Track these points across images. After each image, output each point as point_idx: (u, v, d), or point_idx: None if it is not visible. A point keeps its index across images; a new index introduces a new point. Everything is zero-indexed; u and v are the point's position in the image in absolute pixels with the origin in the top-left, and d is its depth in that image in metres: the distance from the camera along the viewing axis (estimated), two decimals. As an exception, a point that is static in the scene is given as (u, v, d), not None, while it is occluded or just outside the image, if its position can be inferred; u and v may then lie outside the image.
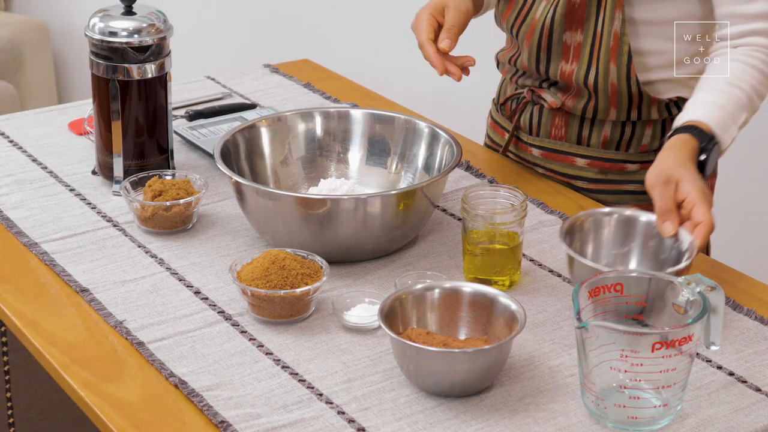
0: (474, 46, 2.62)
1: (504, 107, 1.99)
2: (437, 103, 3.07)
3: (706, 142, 1.63)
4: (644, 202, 1.86)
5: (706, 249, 1.94)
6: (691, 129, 1.64)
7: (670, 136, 1.65)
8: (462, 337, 1.48)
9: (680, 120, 1.67)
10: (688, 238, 1.55)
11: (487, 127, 2.08)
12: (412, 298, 1.48)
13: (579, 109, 1.85)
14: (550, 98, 1.88)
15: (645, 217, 1.62)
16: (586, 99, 1.84)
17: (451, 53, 1.80)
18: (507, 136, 1.99)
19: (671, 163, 1.59)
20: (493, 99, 2.06)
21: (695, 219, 1.54)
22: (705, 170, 1.63)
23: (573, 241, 1.60)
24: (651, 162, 1.85)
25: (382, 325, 1.42)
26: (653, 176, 1.58)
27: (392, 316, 1.45)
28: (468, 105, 3.01)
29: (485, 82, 2.56)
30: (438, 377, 1.40)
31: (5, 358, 1.92)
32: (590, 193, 1.91)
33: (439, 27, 1.81)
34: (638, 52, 1.80)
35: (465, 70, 1.80)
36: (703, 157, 1.63)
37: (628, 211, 1.64)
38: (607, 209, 1.65)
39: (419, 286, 1.50)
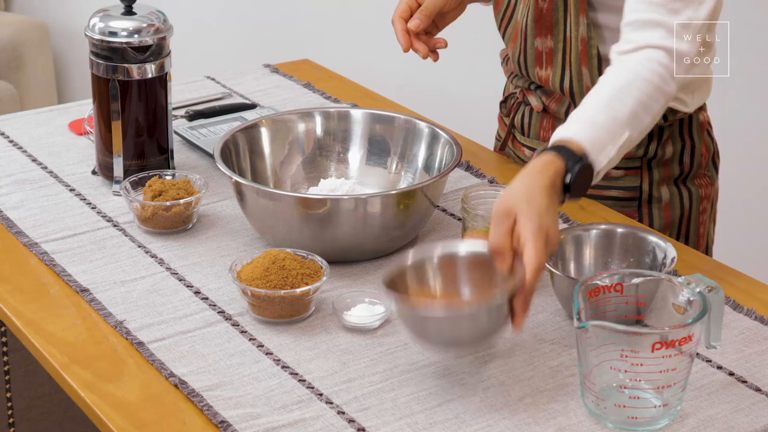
0: (479, 44, 2.63)
1: (505, 104, 2.00)
2: (437, 103, 3.07)
3: (573, 162, 1.48)
4: (628, 208, 1.85)
5: (708, 251, 1.93)
6: (559, 149, 1.49)
7: (539, 153, 1.52)
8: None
9: (554, 135, 1.54)
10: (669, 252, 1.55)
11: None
12: (412, 268, 1.48)
13: (562, 113, 1.85)
14: (535, 101, 1.88)
15: (622, 229, 1.62)
16: (568, 104, 1.83)
17: (436, 39, 1.83)
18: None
19: (517, 194, 1.45)
20: None
21: (524, 260, 1.42)
22: (573, 192, 1.49)
23: (554, 258, 1.58)
24: (636, 168, 1.84)
25: (387, 292, 1.41)
26: (495, 207, 1.46)
27: (394, 288, 1.44)
28: (468, 105, 3.01)
29: (485, 82, 2.56)
30: (446, 336, 1.39)
31: (5, 358, 1.92)
32: None
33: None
34: (605, 57, 1.78)
35: (434, 53, 1.82)
36: (568, 178, 1.48)
37: (604, 225, 1.62)
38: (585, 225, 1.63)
39: (418, 257, 1.49)
